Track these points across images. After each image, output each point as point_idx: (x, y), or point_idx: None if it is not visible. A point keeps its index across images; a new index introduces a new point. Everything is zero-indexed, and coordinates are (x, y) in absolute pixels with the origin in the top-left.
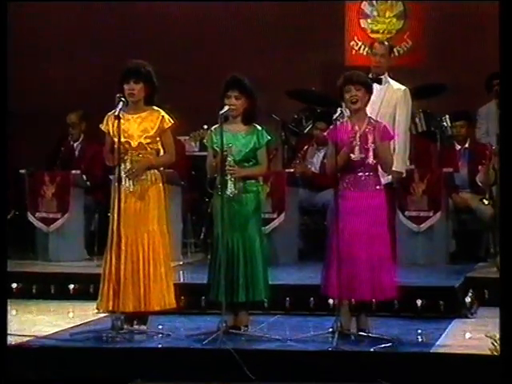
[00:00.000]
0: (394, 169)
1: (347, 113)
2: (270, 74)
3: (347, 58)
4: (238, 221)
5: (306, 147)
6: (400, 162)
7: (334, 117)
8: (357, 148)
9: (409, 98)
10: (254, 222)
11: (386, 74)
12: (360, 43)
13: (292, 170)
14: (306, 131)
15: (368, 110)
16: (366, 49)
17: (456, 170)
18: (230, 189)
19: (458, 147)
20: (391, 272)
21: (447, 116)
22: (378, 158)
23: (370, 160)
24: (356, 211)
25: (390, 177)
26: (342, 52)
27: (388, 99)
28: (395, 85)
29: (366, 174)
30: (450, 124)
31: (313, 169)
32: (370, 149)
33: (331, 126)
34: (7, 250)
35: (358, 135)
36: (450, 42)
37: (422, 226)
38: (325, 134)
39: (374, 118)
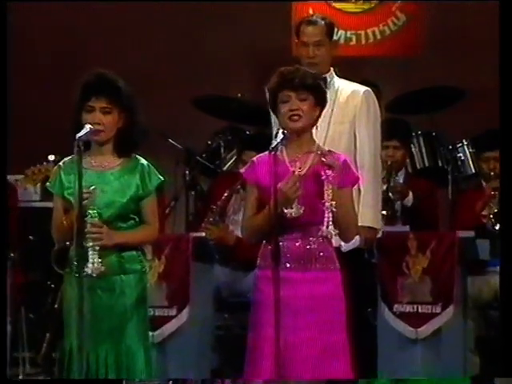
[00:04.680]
0: (362, 224)
1: (283, 136)
2: (162, 69)
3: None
4: (108, 322)
5: (226, 194)
6: (370, 211)
7: (273, 144)
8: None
9: (373, 104)
10: (136, 323)
11: (332, 71)
12: None
13: (203, 235)
14: (226, 167)
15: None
16: None
17: (481, 233)
18: (93, 266)
19: None
20: None
21: (465, 142)
22: (335, 218)
23: (326, 219)
24: (298, 305)
25: (357, 238)
26: (288, 35)
27: (340, 110)
28: (348, 86)
29: (314, 240)
30: (471, 155)
31: (238, 232)
32: (327, 198)
33: (253, 159)
34: None
35: (297, 173)
36: (467, 21)
37: (421, 329)
38: (241, 170)
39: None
